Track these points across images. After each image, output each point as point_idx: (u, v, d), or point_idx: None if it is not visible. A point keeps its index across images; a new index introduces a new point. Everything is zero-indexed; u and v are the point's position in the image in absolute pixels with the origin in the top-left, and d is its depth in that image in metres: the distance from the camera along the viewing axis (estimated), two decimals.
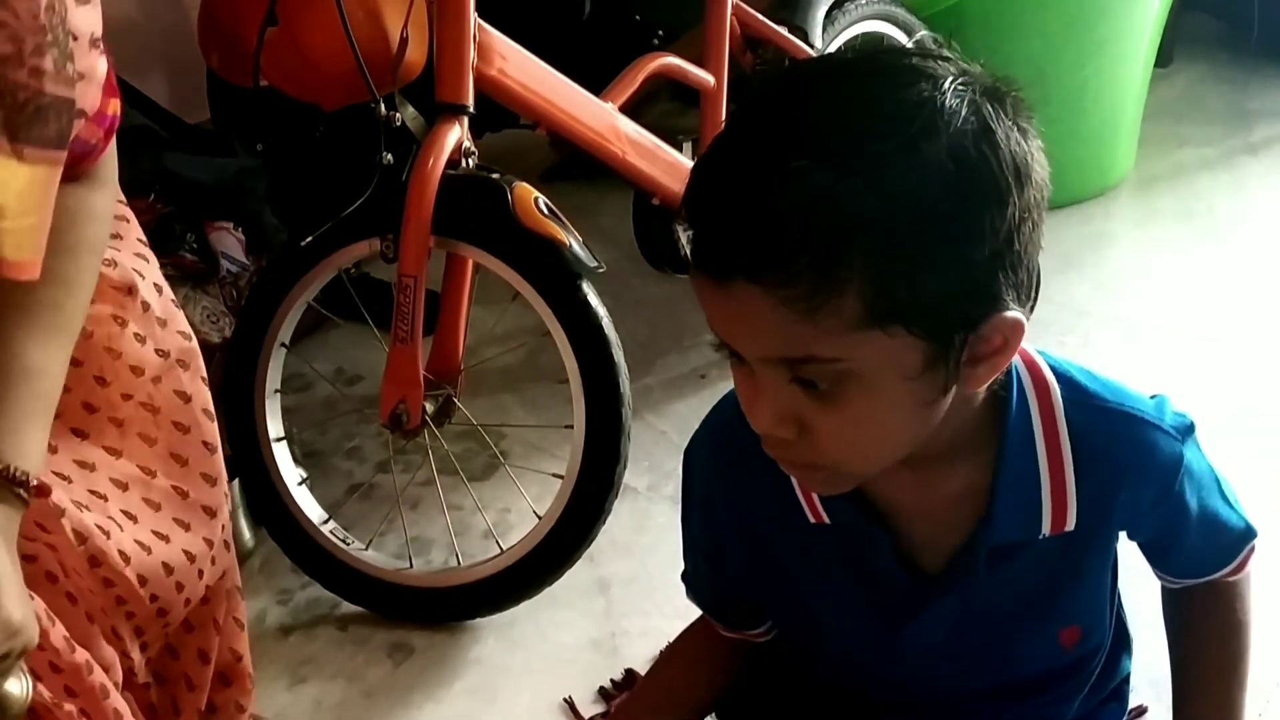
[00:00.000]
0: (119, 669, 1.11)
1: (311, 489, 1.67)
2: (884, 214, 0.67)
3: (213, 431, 1.17)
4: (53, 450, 1.03)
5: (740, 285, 0.69)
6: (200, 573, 1.15)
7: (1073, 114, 2.39)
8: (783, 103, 0.72)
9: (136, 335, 1.08)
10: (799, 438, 0.76)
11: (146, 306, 1.09)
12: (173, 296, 1.19)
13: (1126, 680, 1.05)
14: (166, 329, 1.13)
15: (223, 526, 1.17)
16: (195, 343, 1.17)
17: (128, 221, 1.13)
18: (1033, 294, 0.76)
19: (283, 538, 1.63)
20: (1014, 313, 0.73)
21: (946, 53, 0.75)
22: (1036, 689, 0.97)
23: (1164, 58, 2.82)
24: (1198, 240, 2.37)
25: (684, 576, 1.05)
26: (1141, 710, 1.31)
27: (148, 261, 1.12)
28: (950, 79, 0.71)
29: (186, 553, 1.11)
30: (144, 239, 1.14)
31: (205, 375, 1.19)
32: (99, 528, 1.01)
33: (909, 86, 0.70)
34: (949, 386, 0.75)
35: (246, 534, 1.72)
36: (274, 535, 1.63)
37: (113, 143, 1.02)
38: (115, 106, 0.99)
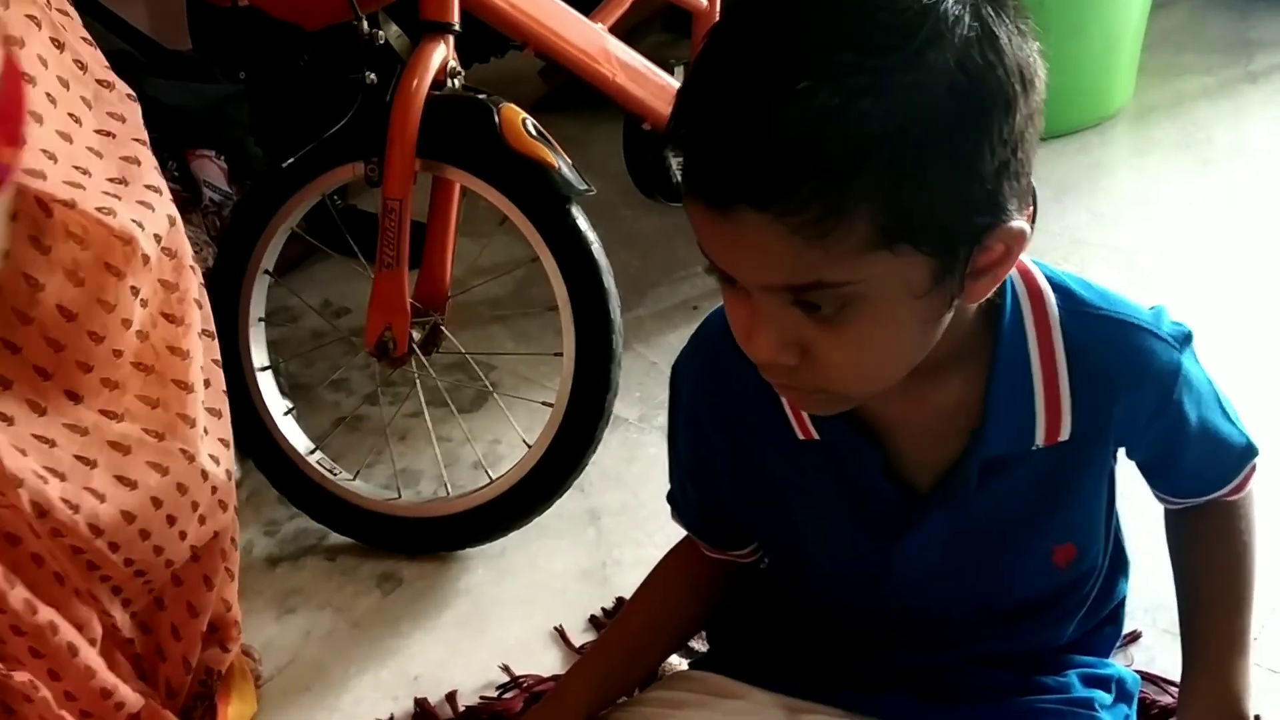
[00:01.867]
0: (96, 625, 1.10)
1: (299, 420, 1.65)
2: (894, 132, 0.64)
3: (200, 374, 1.14)
4: (41, 412, 1.01)
5: (743, 213, 0.66)
6: (182, 534, 1.13)
7: (1072, 43, 2.35)
8: (775, 14, 0.68)
9: (132, 288, 1.05)
10: (800, 363, 0.73)
11: (146, 260, 1.06)
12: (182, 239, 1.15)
13: (1123, 604, 1.04)
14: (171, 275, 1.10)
15: (214, 489, 1.15)
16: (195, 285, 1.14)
17: (138, 164, 1.10)
18: (1030, 201, 0.74)
19: (269, 469, 1.60)
20: (1018, 222, 0.71)
21: None
22: (1031, 611, 0.96)
23: None
24: (1196, 169, 2.34)
25: (669, 497, 1.03)
26: (1135, 635, 1.30)
27: (152, 210, 1.08)
28: None
29: (155, 499, 1.09)
30: (154, 183, 1.10)
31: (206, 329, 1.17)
32: (37, 475, 0.98)
33: None
34: (953, 301, 0.73)
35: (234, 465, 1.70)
36: (260, 466, 1.61)
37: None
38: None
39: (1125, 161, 2.42)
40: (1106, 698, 0.99)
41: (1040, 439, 0.84)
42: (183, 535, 1.13)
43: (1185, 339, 0.87)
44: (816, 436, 0.87)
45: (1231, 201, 2.21)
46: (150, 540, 1.10)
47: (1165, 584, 1.35)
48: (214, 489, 1.15)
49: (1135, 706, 1.02)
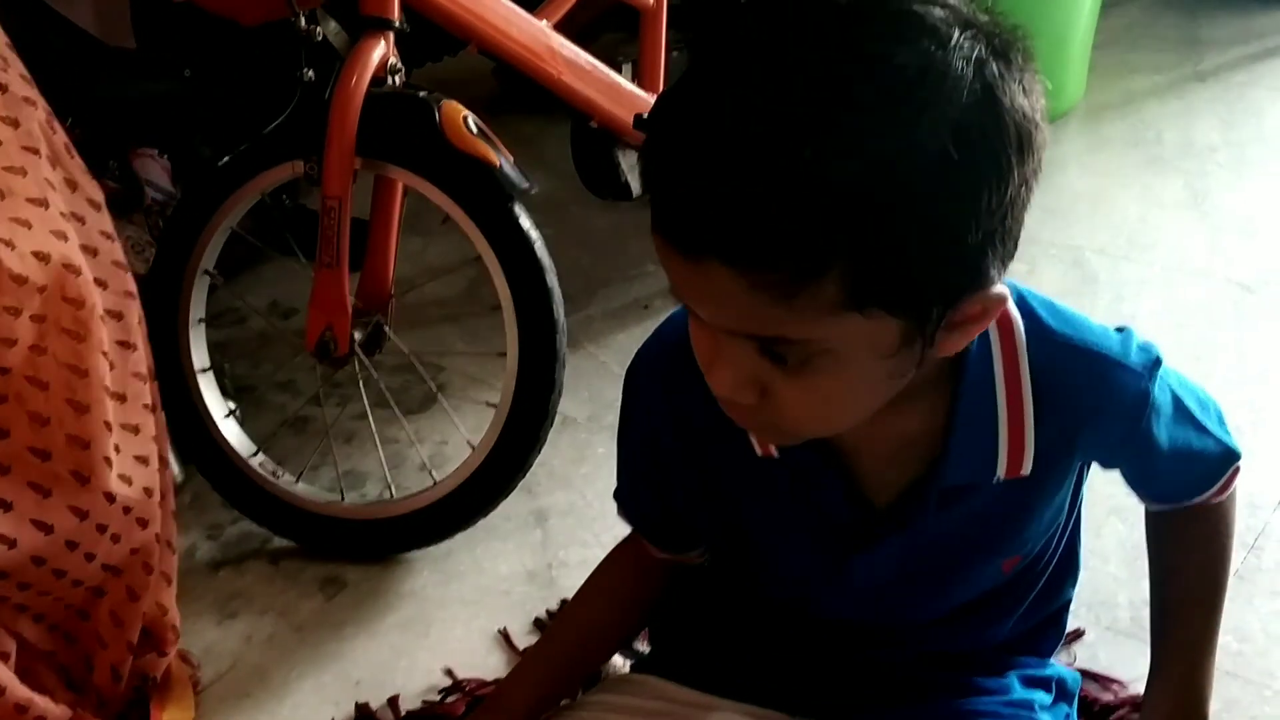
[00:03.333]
0: (8, 641, 1.06)
1: (244, 423, 1.63)
2: (876, 199, 0.60)
3: (103, 392, 1.09)
4: None
5: (710, 263, 0.64)
6: (89, 556, 1.09)
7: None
8: (758, 54, 0.63)
9: (7, 308, 1.00)
10: (760, 401, 0.72)
11: (23, 279, 1.01)
12: (118, 256, 1.12)
13: (1067, 606, 1.03)
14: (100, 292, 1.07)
15: (126, 509, 1.12)
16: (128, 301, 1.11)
17: (23, 175, 1.04)
18: (1013, 256, 0.69)
19: (211, 471, 1.58)
20: (999, 288, 0.69)
21: None
22: (973, 610, 0.95)
23: None
24: (1146, 167, 2.35)
25: (616, 494, 1.01)
26: (1079, 633, 1.30)
27: (29, 228, 1.03)
28: (955, 34, 0.62)
29: (40, 524, 1.05)
30: (38, 196, 1.05)
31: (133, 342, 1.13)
32: None
33: (911, 44, 0.62)
34: (922, 355, 0.71)
35: (175, 468, 1.67)
36: (202, 469, 1.59)
37: None
38: None
39: (1077, 159, 2.43)
40: (1046, 698, 0.98)
41: (1002, 472, 0.83)
42: (89, 557, 1.09)
43: (1154, 364, 0.84)
44: (775, 454, 0.85)
45: (1180, 199, 2.22)
46: (47, 566, 1.06)
47: (1109, 583, 1.37)
48: (126, 509, 1.11)
49: (1076, 705, 1.02)
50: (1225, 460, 0.93)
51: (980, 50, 0.63)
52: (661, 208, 0.66)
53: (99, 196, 1.17)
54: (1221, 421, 0.93)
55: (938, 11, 0.63)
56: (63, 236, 1.05)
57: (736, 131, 0.61)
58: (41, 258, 1.02)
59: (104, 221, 1.13)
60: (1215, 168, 2.31)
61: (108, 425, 1.09)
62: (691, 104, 0.65)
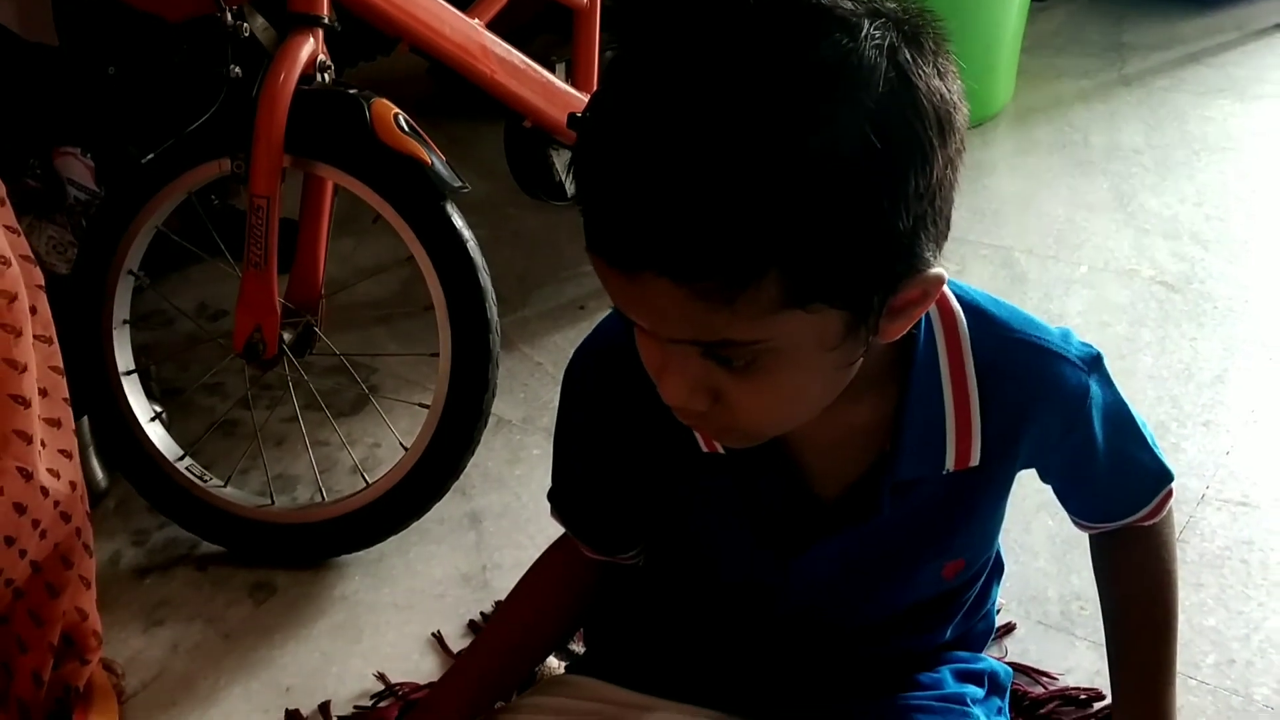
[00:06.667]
0: None
1: (171, 426, 1.60)
2: (804, 197, 0.60)
3: (34, 386, 1.08)
4: None
5: (647, 277, 0.63)
6: (22, 552, 1.07)
7: (953, 45, 2.36)
8: (677, 63, 0.63)
9: None
10: (714, 406, 0.72)
11: None
12: (25, 250, 1.10)
13: (994, 602, 1.05)
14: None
15: (55, 503, 1.10)
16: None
17: None
18: (946, 236, 0.71)
19: (136, 476, 1.55)
20: (935, 269, 0.69)
21: None
22: (912, 618, 0.96)
23: None
24: (1073, 169, 2.39)
25: (550, 495, 1.00)
26: (1009, 627, 1.32)
27: None
28: (865, 24, 0.63)
29: None
30: None
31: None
32: None
33: (823, 38, 0.62)
34: (867, 342, 0.71)
35: (99, 474, 1.63)
36: (126, 474, 1.55)
37: None
38: None
39: (1006, 161, 2.47)
40: (979, 692, 0.99)
41: (950, 464, 0.83)
42: (23, 554, 1.07)
43: (1094, 361, 0.86)
44: (721, 450, 0.85)
45: (1105, 200, 2.26)
46: None
47: (1039, 577, 1.39)
48: (56, 503, 1.09)
49: (1008, 699, 1.03)
50: (1160, 478, 0.94)
51: (891, 38, 0.64)
52: (595, 226, 0.66)
53: (1, 190, 1.15)
54: (1156, 444, 0.94)
55: (845, 4, 0.64)
56: None
57: (660, 146, 0.61)
58: None
59: (7, 215, 1.11)
60: (1140, 170, 2.36)
61: (41, 419, 1.08)
62: (614, 120, 0.64)
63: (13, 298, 1.04)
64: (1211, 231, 2.12)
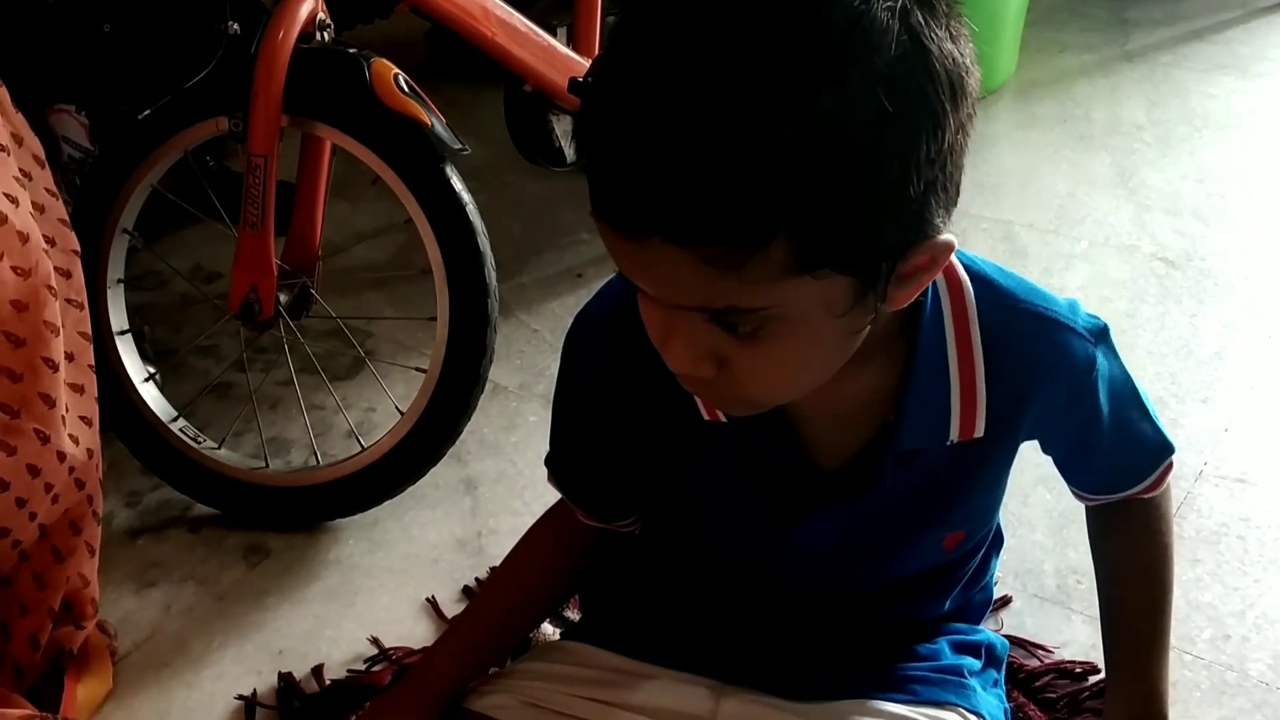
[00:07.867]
0: None
1: (164, 388, 1.58)
2: (814, 161, 0.59)
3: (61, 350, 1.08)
4: None
5: (655, 242, 0.62)
6: (32, 515, 1.07)
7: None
8: (684, 26, 0.61)
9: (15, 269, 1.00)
10: (719, 374, 0.71)
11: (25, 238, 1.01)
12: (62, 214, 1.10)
13: (993, 575, 1.05)
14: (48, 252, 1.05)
15: (71, 469, 1.10)
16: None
17: (5, 154, 1.04)
18: (956, 203, 0.69)
19: (129, 437, 1.54)
20: (945, 235, 0.68)
21: None
22: (913, 587, 0.95)
23: None
24: (1075, 144, 2.38)
25: (548, 460, 1.00)
26: (1006, 600, 1.32)
27: (30, 179, 1.03)
28: None
29: (1, 481, 1.03)
30: (24, 171, 1.05)
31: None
32: None
33: (834, 0, 0.60)
34: (875, 309, 0.70)
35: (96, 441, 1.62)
36: (120, 435, 1.54)
37: None
38: None
39: (1007, 135, 2.46)
40: (975, 663, 0.99)
41: (954, 435, 0.83)
42: (32, 516, 1.07)
43: (1101, 333, 0.85)
44: (722, 418, 0.84)
45: (1107, 175, 2.25)
46: None
47: (1036, 551, 1.39)
48: (71, 469, 1.09)
49: (1004, 671, 1.03)
50: (1161, 451, 0.94)
51: (903, 0, 0.63)
52: (600, 190, 0.65)
53: (41, 153, 1.15)
54: (1158, 417, 0.93)
55: None
56: (13, 199, 1.03)
57: (668, 108, 0.60)
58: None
59: (48, 178, 1.11)
60: (1141, 146, 2.35)
61: (65, 384, 1.08)
62: (620, 83, 0.63)
63: (69, 269, 1.04)
64: (1212, 208, 2.11)
